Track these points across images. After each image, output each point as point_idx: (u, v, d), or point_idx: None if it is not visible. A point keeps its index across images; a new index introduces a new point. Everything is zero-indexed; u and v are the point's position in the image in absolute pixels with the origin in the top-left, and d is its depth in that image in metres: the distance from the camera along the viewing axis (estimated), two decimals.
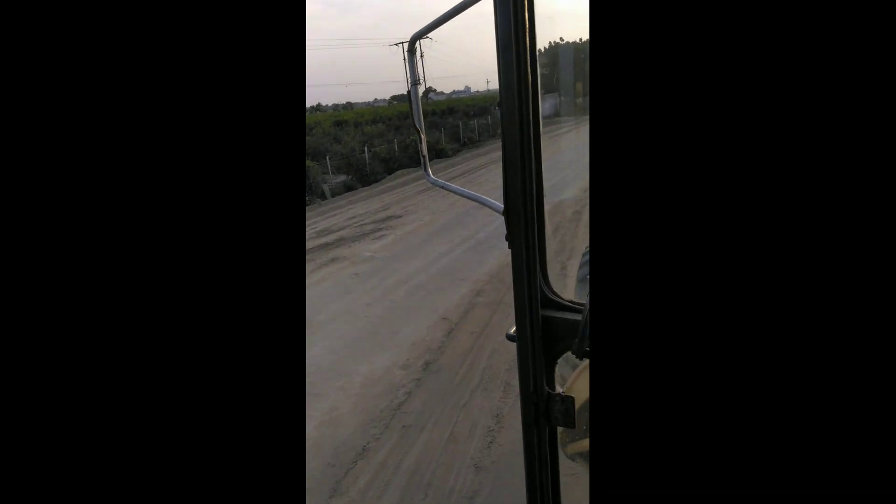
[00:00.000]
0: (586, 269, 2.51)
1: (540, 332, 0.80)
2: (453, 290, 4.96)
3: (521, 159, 0.74)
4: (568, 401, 0.80)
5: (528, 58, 0.71)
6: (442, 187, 1.15)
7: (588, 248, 2.66)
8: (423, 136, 1.08)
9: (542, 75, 0.72)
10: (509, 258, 0.81)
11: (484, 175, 12.57)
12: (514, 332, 0.82)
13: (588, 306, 0.73)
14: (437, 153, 17.81)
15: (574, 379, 1.65)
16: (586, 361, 1.19)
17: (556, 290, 0.82)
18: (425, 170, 1.14)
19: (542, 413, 0.82)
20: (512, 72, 0.70)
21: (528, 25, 0.70)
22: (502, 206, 0.79)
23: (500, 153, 0.75)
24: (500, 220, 0.80)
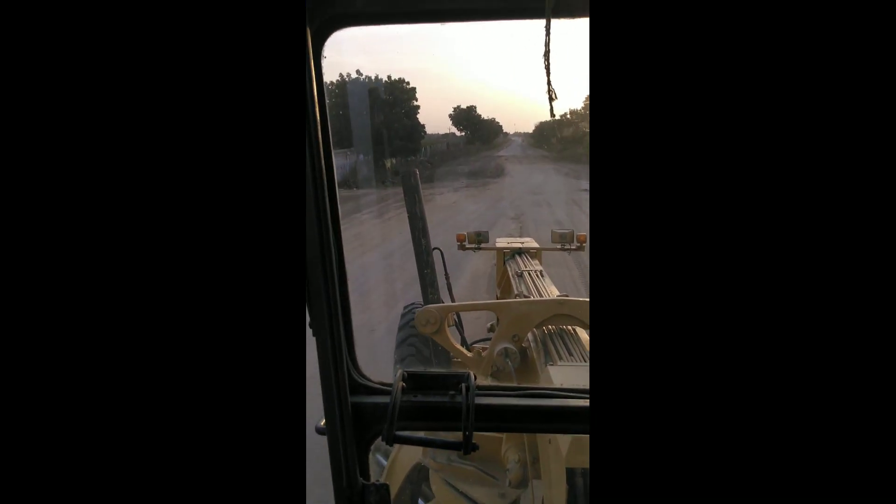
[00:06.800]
0: (403, 350, 2.51)
1: (350, 420, 0.78)
2: None
3: (321, 240, 0.73)
4: (383, 489, 0.80)
5: (321, 134, 0.70)
6: None
7: (406, 308, 2.64)
8: None
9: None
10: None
11: None
12: (324, 423, 0.79)
13: (395, 391, 0.75)
14: None
15: (392, 461, 1.75)
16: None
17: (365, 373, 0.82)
18: None
19: None
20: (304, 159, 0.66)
21: (316, 86, 0.68)
22: None
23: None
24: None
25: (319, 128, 0.71)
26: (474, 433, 0.72)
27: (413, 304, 2.73)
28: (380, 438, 0.79)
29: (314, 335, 0.77)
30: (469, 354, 1.67)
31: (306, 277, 0.76)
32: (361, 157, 19.33)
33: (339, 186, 0.77)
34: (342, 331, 0.78)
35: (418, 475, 1.81)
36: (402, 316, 2.68)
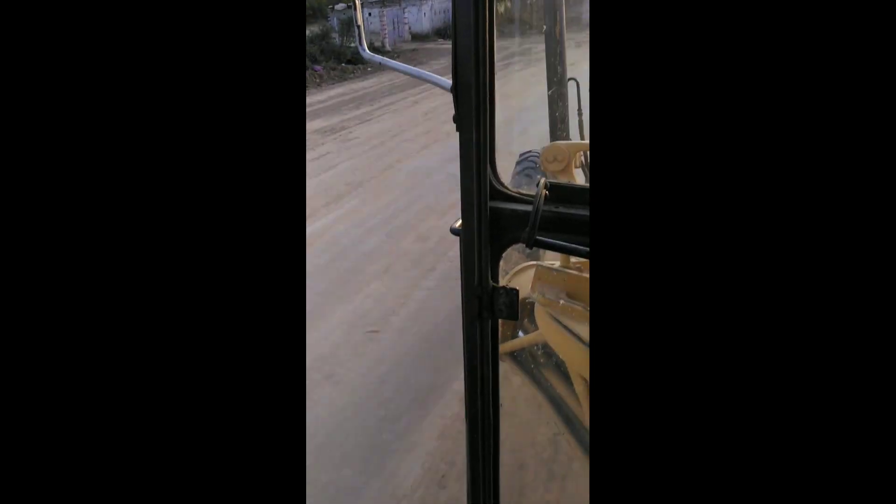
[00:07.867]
0: (524, 164, 2.37)
1: (487, 223, 0.77)
2: None
3: (475, 25, 0.68)
4: (512, 293, 0.79)
5: None
6: (380, 63, 1.16)
7: (523, 155, 2.50)
8: (358, 2, 0.99)
9: None
10: None
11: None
12: (459, 225, 0.79)
13: (539, 197, 0.73)
14: None
15: (511, 276, 1.67)
16: (526, 262, 1.55)
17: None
18: (360, 43, 1.08)
19: (485, 306, 0.80)
20: None
21: None
22: (450, 82, 0.74)
23: None
24: None
25: None
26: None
27: (529, 152, 2.51)
28: (517, 243, 0.79)
29: (457, 130, 0.75)
30: None
31: (455, 70, 0.73)
32: None
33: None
34: (487, 131, 0.75)
35: (524, 311, 1.79)
36: (518, 163, 2.51)
